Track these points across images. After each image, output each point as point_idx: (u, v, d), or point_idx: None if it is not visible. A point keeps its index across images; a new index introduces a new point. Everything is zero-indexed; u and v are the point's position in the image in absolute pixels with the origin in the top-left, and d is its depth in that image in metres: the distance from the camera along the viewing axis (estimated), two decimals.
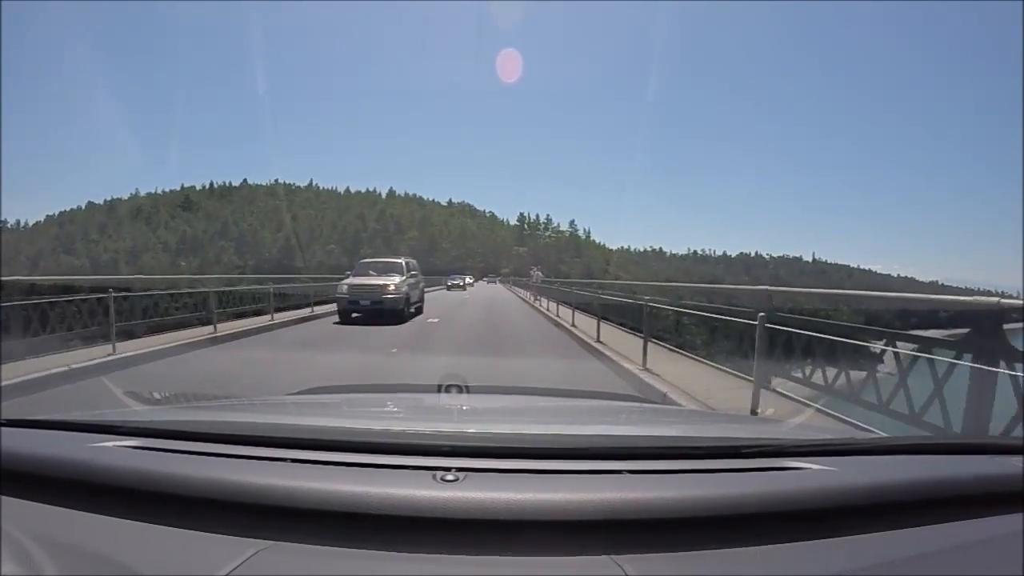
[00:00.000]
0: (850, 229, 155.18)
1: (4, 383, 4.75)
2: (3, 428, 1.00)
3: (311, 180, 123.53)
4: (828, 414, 3.88)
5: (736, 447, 1.00)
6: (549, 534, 0.72)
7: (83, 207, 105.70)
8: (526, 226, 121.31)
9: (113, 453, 0.90)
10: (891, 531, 0.76)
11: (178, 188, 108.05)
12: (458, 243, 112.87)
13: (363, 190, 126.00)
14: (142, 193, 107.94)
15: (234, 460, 0.88)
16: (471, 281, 34.57)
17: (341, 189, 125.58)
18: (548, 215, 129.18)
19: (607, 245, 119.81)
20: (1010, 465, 0.91)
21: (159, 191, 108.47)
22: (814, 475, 0.87)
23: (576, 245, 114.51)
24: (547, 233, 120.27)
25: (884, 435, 2.34)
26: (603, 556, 0.68)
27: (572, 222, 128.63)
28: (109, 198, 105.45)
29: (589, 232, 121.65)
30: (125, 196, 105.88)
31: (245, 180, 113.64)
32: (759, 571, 0.69)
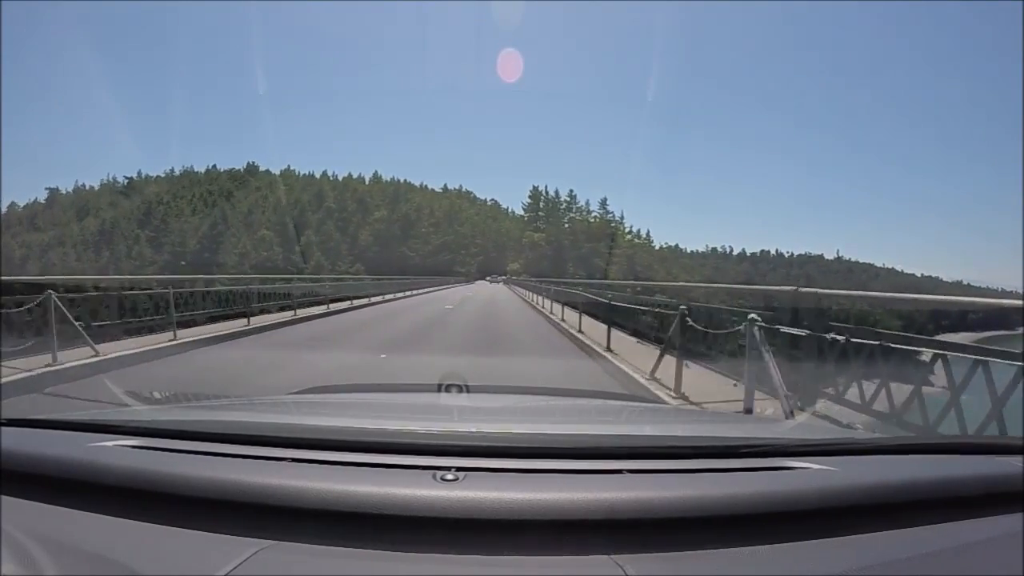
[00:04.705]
0: (862, 227, 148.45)
1: None
2: (3, 428, 1.01)
3: (288, 166, 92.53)
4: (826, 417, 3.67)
5: (736, 447, 1.00)
6: (549, 534, 0.72)
7: (39, 201, 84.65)
8: (541, 204, 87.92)
9: (113, 453, 0.90)
10: (891, 531, 0.76)
11: (135, 176, 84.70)
12: (445, 228, 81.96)
13: (341, 176, 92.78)
14: (97, 186, 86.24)
15: (234, 460, 0.88)
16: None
17: (318, 175, 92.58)
18: (572, 191, 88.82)
19: (650, 237, 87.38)
20: (1010, 465, 0.91)
21: (110, 178, 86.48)
22: (814, 475, 0.87)
23: (611, 234, 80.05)
24: (571, 214, 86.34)
25: (884, 435, 2.31)
26: (603, 556, 0.68)
27: (604, 201, 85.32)
28: (51, 187, 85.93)
29: (623, 217, 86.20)
30: (70, 188, 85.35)
31: (214, 165, 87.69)
32: (759, 571, 0.69)
